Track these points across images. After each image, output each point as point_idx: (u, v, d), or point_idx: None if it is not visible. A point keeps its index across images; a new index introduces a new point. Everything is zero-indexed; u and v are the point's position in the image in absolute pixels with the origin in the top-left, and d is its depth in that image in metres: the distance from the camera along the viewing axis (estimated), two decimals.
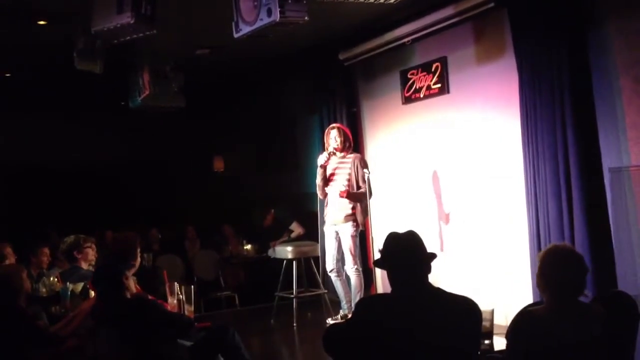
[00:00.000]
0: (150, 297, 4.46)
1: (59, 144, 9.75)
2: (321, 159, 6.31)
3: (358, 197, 6.15)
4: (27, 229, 8.49)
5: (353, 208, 6.19)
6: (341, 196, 6.12)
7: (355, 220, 6.19)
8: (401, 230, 3.12)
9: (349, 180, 6.18)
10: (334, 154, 6.31)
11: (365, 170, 6.13)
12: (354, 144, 6.59)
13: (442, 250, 6.60)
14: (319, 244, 6.87)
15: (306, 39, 7.24)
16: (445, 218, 6.66)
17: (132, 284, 4.14)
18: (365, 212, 6.21)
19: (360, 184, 6.16)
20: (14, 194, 9.75)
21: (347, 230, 6.19)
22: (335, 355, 3.07)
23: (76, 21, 5.72)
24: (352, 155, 6.31)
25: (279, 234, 8.73)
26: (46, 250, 6.62)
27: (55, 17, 6.12)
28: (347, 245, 6.20)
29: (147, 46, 6.52)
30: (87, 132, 9.99)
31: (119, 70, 6.97)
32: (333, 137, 6.32)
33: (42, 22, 6.31)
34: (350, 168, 6.21)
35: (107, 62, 6.19)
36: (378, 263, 3.08)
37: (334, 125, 6.54)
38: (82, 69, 6.13)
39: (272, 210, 9.19)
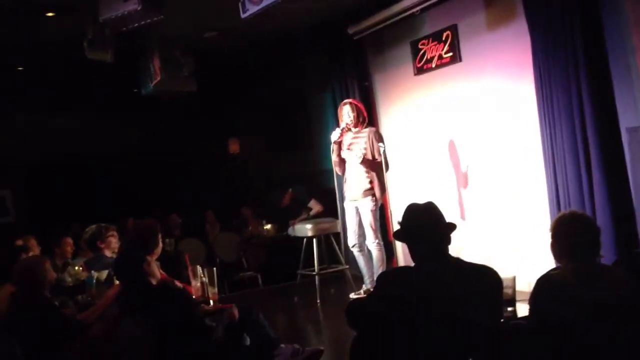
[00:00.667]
0: (176, 282, 4.52)
1: (75, 137, 9.84)
2: (334, 135, 6.31)
3: (374, 166, 6.14)
4: (49, 222, 8.59)
5: (371, 182, 6.19)
6: (360, 163, 6.14)
7: (374, 195, 6.19)
8: (420, 201, 3.12)
9: (364, 154, 6.17)
10: (348, 129, 6.30)
11: (380, 144, 6.12)
12: (368, 117, 6.56)
13: (462, 219, 6.59)
14: (339, 220, 6.88)
15: (314, 15, 7.19)
16: (464, 187, 6.64)
17: (156, 270, 4.18)
18: (383, 186, 6.20)
19: (376, 156, 6.15)
20: (34, 188, 9.86)
21: (367, 205, 6.19)
22: (359, 328, 3.09)
23: (84, 11, 5.72)
24: (367, 130, 6.28)
25: (298, 212, 8.75)
26: (69, 241, 6.71)
27: (63, 9, 6.13)
28: (368, 220, 6.21)
29: (156, 32, 6.52)
30: (102, 123, 10.07)
31: (129, 58, 6.97)
32: (346, 113, 6.31)
33: (50, 14, 6.33)
34: (366, 142, 6.19)
35: (118, 50, 6.19)
36: (397, 235, 3.09)
37: (346, 101, 6.53)
38: (93, 59, 6.14)
39: (290, 189, 9.21)
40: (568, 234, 2.92)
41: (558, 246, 2.95)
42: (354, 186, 6.28)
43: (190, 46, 7.49)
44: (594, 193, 4.92)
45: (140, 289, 3.94)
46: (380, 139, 6.22)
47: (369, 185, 6.19)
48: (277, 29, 7.59)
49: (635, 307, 2.79)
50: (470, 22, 6.37)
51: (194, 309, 4.14)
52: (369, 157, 6.16)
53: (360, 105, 6.43)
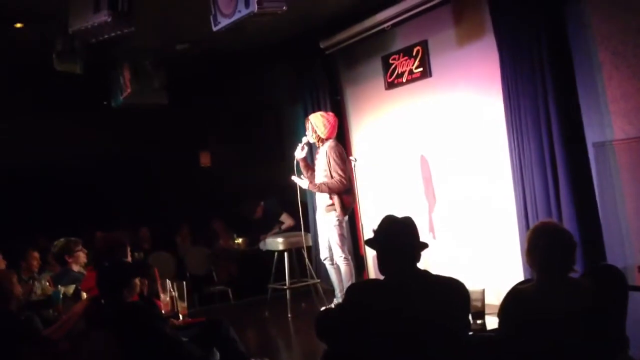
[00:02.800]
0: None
1: (42, 148, 9.66)
2: (297, 152, 6.36)
3: (329, 187, 6.14)
4: (14, 235, 8.43)
5: (331, 198, 6.19)
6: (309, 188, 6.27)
7: (335, 210, 6.19)
8: (391, 215, 3.14)
9: (325, 170, 6.18)
10: (308, 144, 6.37)
11: (351, 157, 6.16)
12: (339, 131, 6.57)
13: (432, 232, 6.63)
14: (311, 234, 6.88)
15: (286, 29, 7.21)
16: (434, 200, 6.68)
17: (138, 286, 4.07)
18: (344, 200, 6.18)
19: (333, 173, 6.14)
20: None
21: (330, 221, 6.20)
22: (328, 339, 3.09)
23: (53, 22, 5.67)
24: (325, 145, 6.29)
25: (270, 226, 8.73)
26: (36, 254, 6.60)
27: (32, 20, 6.06)
28: (332, 235, 6.21)
29: (127, 44, 6.47)
30: (71, 134, 9.90)
31: (99, 70, 6.92)
32: (308, 128, 6.35)
33: (18, 25, 6.25)
34: (325, 162, 6.20)
35: (87, 61, 6.14)
36: (370, 243, 3.10)
37: (310, 116, 6.54)
38: (62, 70, 6.08)
39: (262, 203, 9.18)
40: (544, 244, 2.93)
41: (533, 256, 2.96)
42: (318, 202, 6.33)
43: (161, 58, 7.46)
44: (561, 207, 4.98)
45: (116, 304, 3.86)
46: (338, 153, 6.18)
47: (330, 201, 6.19)
48: (249, 42, 7.59)
49: (600, 318, 2.83)
50: (440, 38, 6.44)
51: (164, 324, 4.09)
52: (329, 176, 6.17)
53: (324, 119, 6.33)
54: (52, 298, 4.77)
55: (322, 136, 6.27)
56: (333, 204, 6.17)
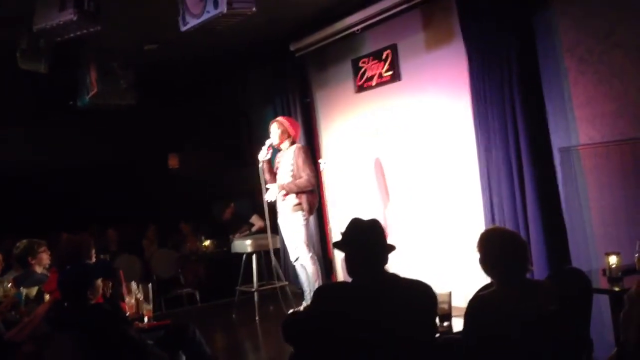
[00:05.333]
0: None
1: (7, 148, 9.50)
2: (261, 154, 6.35)
3: (298, 187, 6.17)
4: None
5: (299, 197, 6.20)
6: (283, 198, 6.20)
7: (302, 209, 6.20)
8: (359, 218, 3.14)
9: (292, 171, 6.20)
10: (273, 147, 6.37)
11: (320, 160, 6.17)
12: (308, 134, 6.59)
13: (400, 236, 6.64)
14: (279, 236, 6.86)
15: (256, 30, 7.17)
16: (402, 204, 6.70)
17: (102, 287, 4.00)
18: (312, 199, 6.22)
19: (302, 173, 6.17)
20: None
21: (297, 221, 6.21)
22: (294, 343, 3.08)
23: (18, 21, 5.56)
24: (292, 147, 6.33)
25: (239, 227, 8.69)
26: None
27: None
28: (299, 234, 6.21)
29: (93, 43, 6.39)
30: (35, 134, 9.76)
31: (65, 69, 6.80)
32: (273, 131, 6.39)
33: None
34: (292, 163, 6.23)
35: (53, 61, 6.03)
36: (338, 245, 3.11)
37: (274, 120, 6.55)
38: (27, 69, 5.97)
39: (232, 204, 9.14)
40: (495, 249, 2.96)
41: (486, 261, 2.99)
42: (283, 203, 6.30)
43: (129, 58, 7.37)
44: (527, 210, 5.04)
45: (80, 306, 3.79)
46: (306, 155, 6.24)
47: (296, 201, 6.19)
48: (218, 43, 7.53)
49: (565, 321, 2.86)
50: (410, 42, 6.47)
51: (129, 327, 4.03)
52: (296, 176, 6.18)
53: (289, 123, 6.45)
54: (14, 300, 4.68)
55: (292, 137, 6.34)
56: (300, 204, 6.18)
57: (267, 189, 6.39)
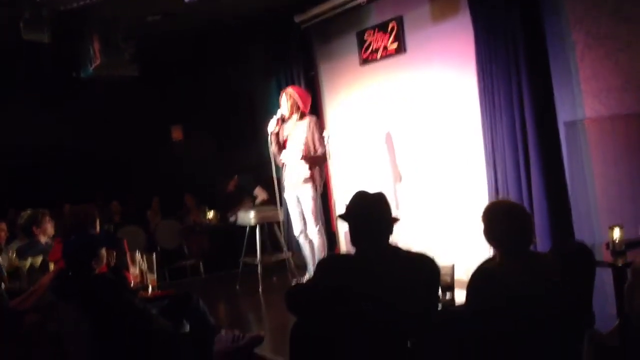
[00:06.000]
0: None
1: (12, 122, 9.49)
2: (270, 126, 6.30)
3: (316, 160, 6.15)
4: None
5: (310, 170, 6.18)
6: (302, 159, 6.13)
7: (314, 182, 6.20)
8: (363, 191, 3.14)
9: (305, 144, 6.17)
10: (283, 119, 6.30)
11: (324, 133, 6.14)
12: (313, 107, 6.54)
13: (404, 208, 6.65)
14: (283, 209, 6.86)
15: (260, 2, 7.12)
16: (406, 177, 6.70)
17: (106, 257, 4.02)
18: (322, 173, 6.24)
19: (317, 147, 6.15)
20: None
21: (307, 193, 6.20)
22: (299, 313, 3.09)
23: None
24: (306, 120, 6.27)
25: (242, 200, 8.69)
26: (3, 226, 6.48)
27: None
28: (308, 207, 6.21)
29: (97, 14, 6.35)
30: (40, 107, 9.74)
31: (68, 40, 6.77)
32: (283, 102, 6.31)
33: None
34: (306, 134, 6.18)
35: (56, 31, 6.00)
36: (342, 217, 3.11)
37: (284, 90, 6.49)
38: (30, 40, 5.94)
39: (236, 177, 9.14)
40: (500, 221, 2.95)
41: (491, 233, 2.99)
42: (293, 175, 6.27)
43: (132, 30, 7.32)
44: (532, 184, 5.04)
45: (84, 276, 3.82)
46: (321, 127, 6.23)
47: (308, 173, 6.18)
48: (222, 15, 7.48)
49: (568, 294, 2.87)
50: (416, 13, 6.41)
51: (133, 296, 4.06)
52: (311, 150, 6.16)
53: (299, 94, 6.35)
54: (19, 269, 4.71)
55: (302, 108, 6.26)
56: (311, 176, 6.17)
57: (281, 161, 6.33)
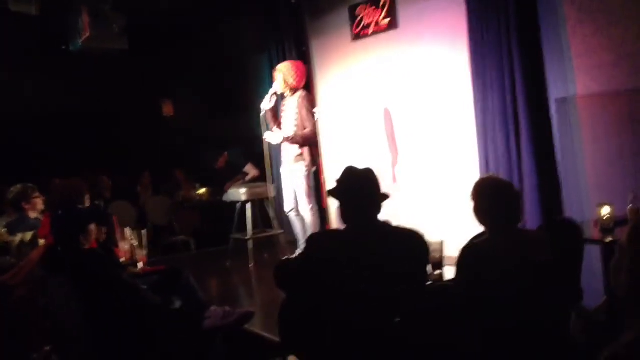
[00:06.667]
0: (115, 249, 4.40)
1: None
2: (264, 103, 6.28)
3: (303, 139, 6.13)
4: None
5: (301, 148, 6.17)
6: (288, 141, 6.14)
7: (304, 160, 6.18)
8: (355, 167, 3.14)
9: (296, 120, 6.15)
10: (276, 95, 6.28)
11: (315, 110, 6.12)
12: (305, 83, 6.50)
13: (394, 185, 6.65)
14: (274, 185, 6.85)
15: None
16: (397, 153, 6.69)
17: (95, 232, 4.00)
18: (314, 151, 6.22)
19: (306, 123, 6.12)
20: None
21: (299, 171, 6.20)
22: (288, 289, 3.10)
23: None
24: (296, 96, 6.25)
25: (233, 176, 8.67)
26: None
27: None
28: (300, 185, 6.21)
29: None
30: (27, 79, 9.63)
31: (57, 13, 6.68)
32: (276, 79, 6.29)
33: None
34: (296, 112, 6.17)
35: (44, 3, 5.92)
36: (332, 192, 3.10)
37: (278, 65, 6.45)
38: (17, 11, 5.86)
39: (225, 153, 9.10)
40: (487, 197, 2.97)
41: (479, 209, 3.00)
42: (286, 151, 6.28)
43: (121, 2, 7.23)
44: (522, 160, 5.04)
45: (74, 250, 3.80)
46: (309, 102, 6.19)
47: (299, 151, 6.17)
48: None
49: (556, 270, 2.88)
50: None
51: (122, 271, 4.06)
52: (300, 128, 6.13)
53: (291, 68, 6.29)
54: (8, 245, 4.69)
55: (293, 85, 6.22)
56: (302, 154, 6.16)
57: (266, 140, 6.33)
